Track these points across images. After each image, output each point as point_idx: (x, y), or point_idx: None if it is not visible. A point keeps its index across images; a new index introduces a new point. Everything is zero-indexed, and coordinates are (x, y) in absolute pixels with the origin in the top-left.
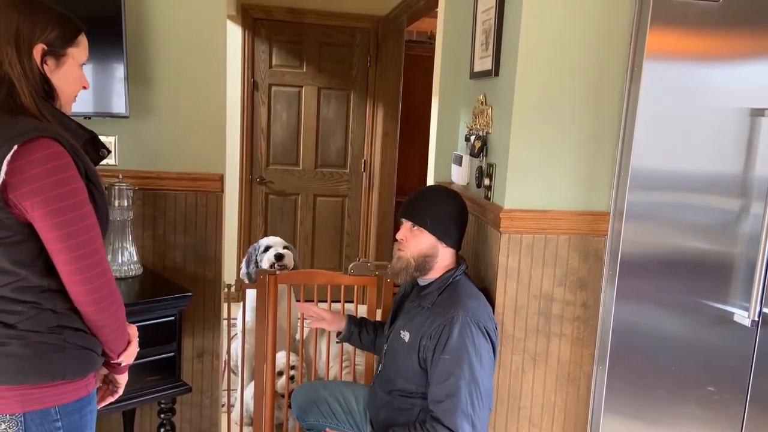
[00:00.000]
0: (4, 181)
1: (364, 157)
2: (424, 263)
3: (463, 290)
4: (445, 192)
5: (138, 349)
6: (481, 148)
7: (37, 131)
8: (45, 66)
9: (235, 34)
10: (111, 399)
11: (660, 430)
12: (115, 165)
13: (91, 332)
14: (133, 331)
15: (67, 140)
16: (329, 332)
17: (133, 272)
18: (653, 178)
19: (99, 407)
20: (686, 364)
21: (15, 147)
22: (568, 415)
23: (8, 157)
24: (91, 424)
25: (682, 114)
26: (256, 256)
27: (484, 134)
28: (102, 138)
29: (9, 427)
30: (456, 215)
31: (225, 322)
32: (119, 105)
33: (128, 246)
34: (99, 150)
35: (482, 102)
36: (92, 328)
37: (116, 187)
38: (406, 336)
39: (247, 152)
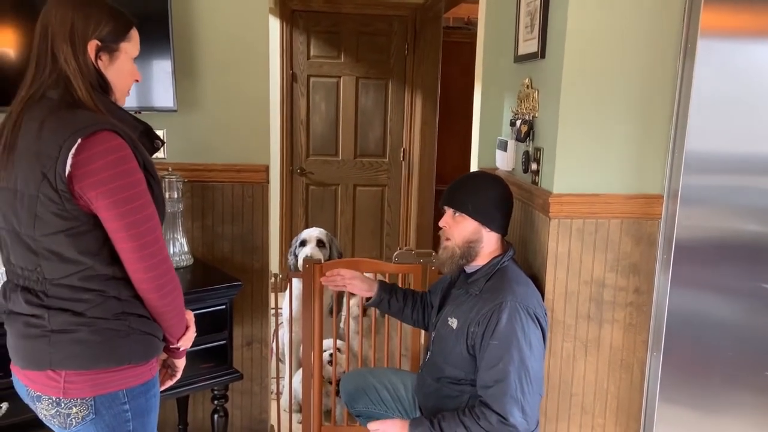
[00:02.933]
0: (69, 173)
1: (403, 146)
2: (469, 250)
3: (511, 276)
4: (486, 176)
5: (195, 335)
6: (527, 132)
7: (99, 124)
8: (99, 61)
9: (273, 27)
10: (170, 383)
11: (716, 418)
12: (164, 158)
13: (153, 318)
14: (190, 316)
15: (126, 132)
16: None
17: (185, 263)
18: (708, 161)
19: (161, 389)
20: (743, 351)
21: (79, 140)
22: (621, 403)
23: (73, 150)
24: (156, 407)
25: (737, 94)
26: (296, 247)
27: (531, 118)
28: None
29: (80, 411)
30: (499, 199)
31: (274, 312)
32: (167, 99)
33: (179, 237)
34: (153, 141)
35: (528, 86)
36: (154, 314)
37: (167, 180)
38: (453, 323)
39: (287, 144)
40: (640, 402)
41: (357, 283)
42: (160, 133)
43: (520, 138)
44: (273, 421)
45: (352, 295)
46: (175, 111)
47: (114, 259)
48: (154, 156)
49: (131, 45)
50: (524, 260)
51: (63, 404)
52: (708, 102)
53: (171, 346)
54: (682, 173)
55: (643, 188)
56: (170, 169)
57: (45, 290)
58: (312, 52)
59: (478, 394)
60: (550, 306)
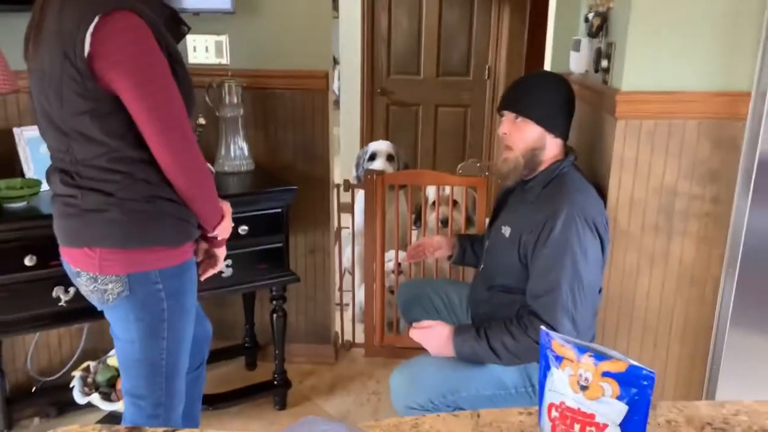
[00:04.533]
0: (89, 52)
1: (489, 64)
2: (532, 158)
3: (570, 182)
4: (547, 76)
5: (232, 224)
6: (600, 26)
7: (117, 2)
8: None
9: None
10: (212, 271)
11: None
12: (227, 64)
13: (185, 205)
14: (226, 207)
15: (147, 13)
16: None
17: (245, 167)
18: None
19: (202, 278)
20: None
21: (97, 18)
22: (688, 321)
23: (91, 28)
24: (191, 290)
25: None
26: (364, 160)
27: (605, 10)
28: (213, 37)
29: (116, 287)
30: (562, 100)
31: (336, 223)
32: (225, 0)
33: (239, 142)
34: (180, 27)
35: None
36: (184, 198)
37: (226, 85)
38: (507, 231)
39: (368, 63)
40: (711, 321)
41: (439, 249)
42: (222, 38)
43: (592, 33)
44: (337, 328)
45: (431, 208)
46: (233, 13)
47: (142, 142)
48: (216, 61)
49: None
50: (589, 167)
51: (100, 280)
52: None
53: (208, 235)
54: None
55: (728, 84)
56: (229, 74)
57: (78, 171)
58: None
59: (528, 303)
60: (613, 215)
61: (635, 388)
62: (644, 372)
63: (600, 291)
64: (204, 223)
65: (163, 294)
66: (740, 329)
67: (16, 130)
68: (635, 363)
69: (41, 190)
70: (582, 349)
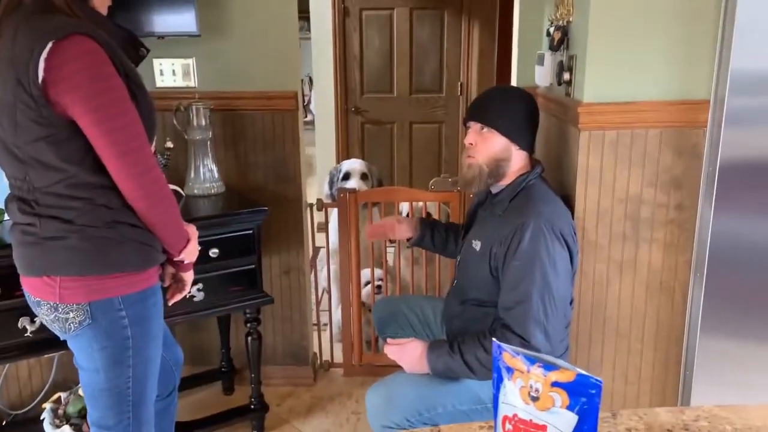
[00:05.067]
0: (43, 78)
1: (461, 80)
2: (497, 168)
3: (536, 195)
4: (512, 90)
5: (198, 248)
6: (561, 39)
7: (71, 27)
8: None
9: None
10: (179, 296)
11: (763, 347)
12: (195, 87)
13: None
14: (192, 230)
15: (103, 37)
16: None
17: (215, 190)
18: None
19: (170, 303)
20: None
21: (50, 44)
22: (660, 327)
23: (45, 53)
24: (156, 315)
25: None
26: (338, 178)
27: (565, 24)
28: (180, 60)
29: (77, 316)
30: (526, 113)
31: (311, 243)
32: (190, 23)
33: (209, 164)
34: (138, 49)
35: None
36: (147, 224)
37: (193, 107)
38: (477, 245)
39: (341, 82)
40: (681, 325)
41: (400, 228)
42: (189, 61)
43: (553, 46)
44: (315, 348)
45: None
46: (198, 36)
47: (101, 167)
48: (185, 84)
49: None
50: (557, 178)
51: (60, 309)
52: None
53: (174, 259)
54: (729, 73)
55: (687, 93)
56: (196, 96)
57: (36, 199)
58: None
59: (500, 316)
60: (581, 225)
61: (584, 397)
62: (592, 380)
63: (572, 302)
64: (169, 248)
65: (126, 321)
66: (711, 333)
67: None
68: (582, 372)
69: (4, 219)
70: (532, 360)
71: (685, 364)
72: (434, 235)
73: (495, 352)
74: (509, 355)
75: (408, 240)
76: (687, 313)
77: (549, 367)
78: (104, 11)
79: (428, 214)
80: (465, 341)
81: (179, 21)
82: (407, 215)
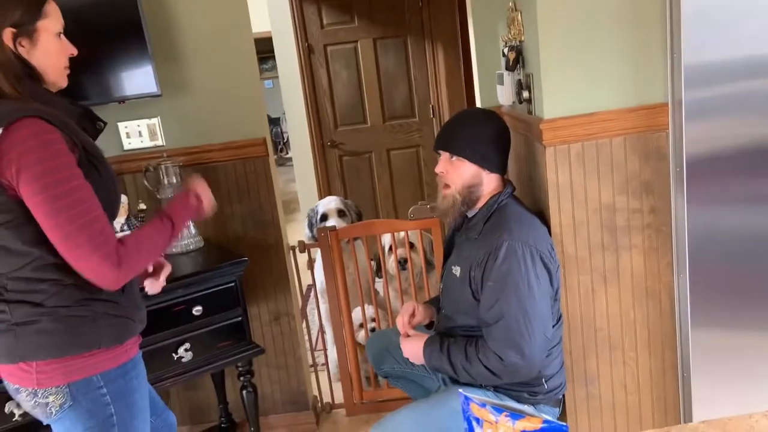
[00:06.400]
0: None
1: (431, 103)
2: (469, 195)
3: (509, 214)
4: (479, 113)
5: (209, 194)
6: (516, 59)
7: (19, 112)
8: (20, 48)
9: (282, 1)
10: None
11: (756, 335)
12: (163, 145)
13: (125, 300)
14: (196, 188)
15: (55, 116)
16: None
17: (194, 246)
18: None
19: (155, 291)
20: None
21: (0, 130)
22: (652, 331)
23: None
24: (138, 387)
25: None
26: (316, 220)
27: (518, 43)
28: (144, 121)
29: (57, 399)
30: (494, 136)
31: (298, 285)
32: (150, 85)
33: None
34: (96, 123)
35: (512, 8)
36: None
37: (163, 166)
38: (457, 271)
39: (314, 118)
40: (672, 328)
41: (420, 317)
42: (154, 121)
43: (509, 66)
44: (315, 391)
45: (389, 253)
46: (160, 96)
47: None
48: (152, 144)
49: (50, 21)
50: (530, 195)
51: (39, 394)
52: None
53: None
54: (683, 73)
55: (644, 98)
56: (165, 155)
57: (4, 285)
58: (325, 21)
59: (483, 332)
60: (558, 240)
61: None
62: (557, 426)
63: (560, 318)
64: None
65: (108, 398)
66: (703, 330)
67: None
68: (548, 418)
69: None
70: (498, 410)
71: (682, 365)
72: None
73: (463, 405)
74: (476, 406)
75: (429, 326)
76: (676, 315)
77: (516, 416)
78: (63, 82)
79: (411, 244)
80: (455, 343)
81: (139, 83)
82: (390, 248)
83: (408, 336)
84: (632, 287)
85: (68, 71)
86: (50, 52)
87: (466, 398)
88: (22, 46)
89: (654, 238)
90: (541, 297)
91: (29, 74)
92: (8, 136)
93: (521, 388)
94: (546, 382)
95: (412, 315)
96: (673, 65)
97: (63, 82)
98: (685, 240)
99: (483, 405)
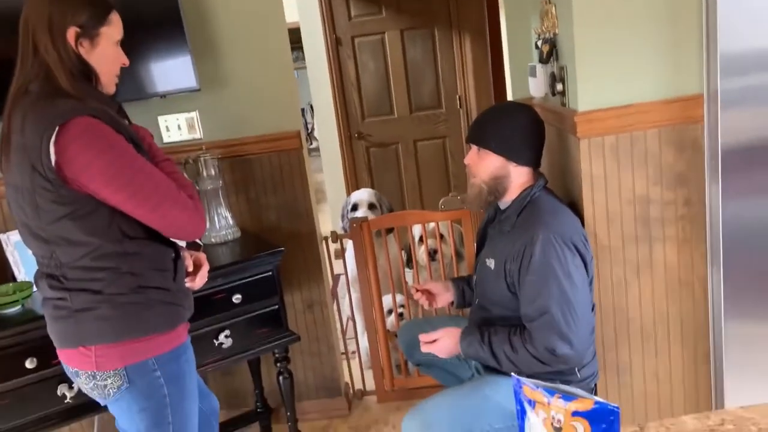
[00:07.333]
0: (56, 161)
1: (459, 93)
2: (496, 186)
3: (542, 207)
4: (511, 107)
5: None
6: (550, 51)
7: (76, 111)
8: (80, 48)
9: None
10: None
11: None
12: (201, 138)
13: (176, 288)
14: None
15: (103, 111)
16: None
17: (231, 236)
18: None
19: (198, 286)
20: None
21: (57, 128)
22: (685, 322)
23: (53, 138)
24: (189, 371)
25: None
26: (348, 211)
27: (552, 36)
28: (183, 114)
29: (115, 381)
30: (524, 130)
31: (330, 274)
32: (189, 80)
33: (223, 212)
34: (127, 119)
35: (546, 1)
36: None
37: (202, 159)
38: (491, 263)
39: (341, 109)
40: (705, 320)
41: (441, 297)
42: (192, 114)
43: (543, 59)
44: (347, 378)
45: (420, 244)
46: (198, 90)
47: (123, 235)
48: (190, 137)
49: (112, 29)
50: (563, 187)
51: (98, 377)
52: None
53: None
54: (719, 67)
55: (680, 90)
56: (204, 148)
57: (64, 274)
58: (353, 13)
59: (525, 326)
60: (591, 231)
61: (604, 423)
62: (609, 407)
63: (594, 308)
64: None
65: (162, 380)
66: (736, 321)
67: (2, 236)
68: (600, 399)
69: (34, 290)
70: (551, 392)
71: (714, 356)
72: (471, 287)
73: (515, 386)
74: (529, 388)
75: (451, 304)
76: (710, 306)
77: (568, 397)
78: (112, 89)
79: (441, 235)
80: (497, 332)
81: (179, 78)
82: (420, 238)
83: (434, 341)
84: (665, 278)
85: (117, 80)
86: (106, 57)
87: (518, 381)
88: (82, 47)
89: (688, 230)
90: (581, 286)
91: (85, 73)
92: (65, 134)
93: (555, 376)
94: (579, 371)
95: (433, 298)
96: (709, 55)
97: (112, 89)
98: (719, 231)
99: (536, 387)
